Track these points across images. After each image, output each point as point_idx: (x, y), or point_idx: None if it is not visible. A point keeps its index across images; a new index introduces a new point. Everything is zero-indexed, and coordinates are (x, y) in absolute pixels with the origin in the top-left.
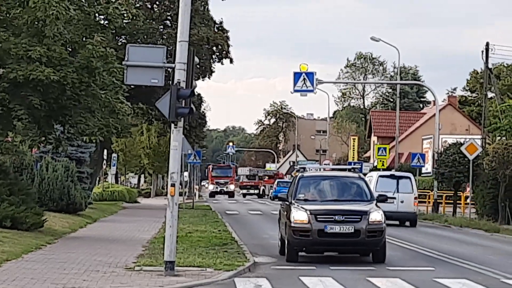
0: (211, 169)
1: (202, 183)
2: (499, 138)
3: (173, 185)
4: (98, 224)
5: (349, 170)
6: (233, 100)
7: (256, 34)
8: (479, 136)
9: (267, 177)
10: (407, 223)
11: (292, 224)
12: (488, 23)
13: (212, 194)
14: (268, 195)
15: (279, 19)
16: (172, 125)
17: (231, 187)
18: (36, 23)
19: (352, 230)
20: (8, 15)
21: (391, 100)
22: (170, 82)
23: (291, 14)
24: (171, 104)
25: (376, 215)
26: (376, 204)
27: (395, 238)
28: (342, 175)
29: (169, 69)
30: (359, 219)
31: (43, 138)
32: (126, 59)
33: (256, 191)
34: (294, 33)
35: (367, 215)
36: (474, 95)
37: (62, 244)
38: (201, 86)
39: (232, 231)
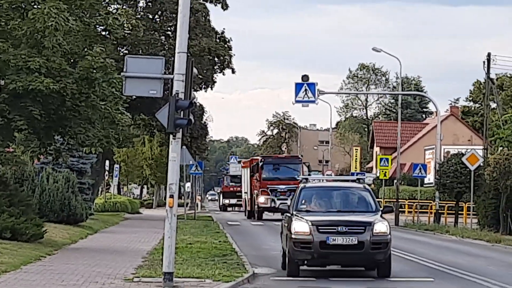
0: (260, 164)
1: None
2: (501, 148)
3: (171, 196)
4: (99, 235)
5: (354, 180)
6: (238, 110)
7: (261, 45)
8: (482, 147)
9: None
10: None
11: (293, 236)
12: (492, 34)
13: (260, 213)
14: None
15: (283, 30)
16: (171, 136)
17: None
18: (35, 34)
19: (356, 242)
20: (7, 26)
21: (394, 110)
22: (169, 93)
23: (295, 25)
24: (170, 115)
25: (381, 226)
26: (381, 215)
27: (395, 248)
28: (346, 185)
29: (168, 80)
30: (363, 230)
31: (44, 150)
32: (124, 70)
33: None
34: (298, 44)
35: (371, 226)
36: (477, 105)
37: (62, 255)
38: (206, 97)
39: (233, 242)
